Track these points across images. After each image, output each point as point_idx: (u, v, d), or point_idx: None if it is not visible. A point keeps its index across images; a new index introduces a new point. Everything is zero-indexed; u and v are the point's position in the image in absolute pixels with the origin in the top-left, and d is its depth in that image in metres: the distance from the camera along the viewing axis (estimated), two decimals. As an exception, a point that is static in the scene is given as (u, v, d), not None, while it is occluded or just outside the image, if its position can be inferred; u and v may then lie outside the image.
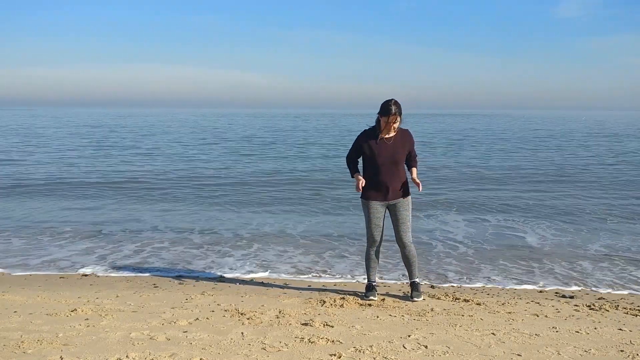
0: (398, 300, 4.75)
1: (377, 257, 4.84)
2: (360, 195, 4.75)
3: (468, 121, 71.14)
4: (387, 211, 4.74)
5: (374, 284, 4.86)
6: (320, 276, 5.94)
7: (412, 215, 4.78)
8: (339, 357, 3.29)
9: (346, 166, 4.88)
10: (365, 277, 5.01)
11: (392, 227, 4.75)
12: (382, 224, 4.72)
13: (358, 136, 4.70)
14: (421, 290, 4.85)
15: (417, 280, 4.84)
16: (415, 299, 4.72)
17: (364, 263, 4.93)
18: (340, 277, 5.89)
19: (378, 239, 4.75)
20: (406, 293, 4.95)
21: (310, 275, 5.97)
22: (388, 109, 4.45)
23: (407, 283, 5.22)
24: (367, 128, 4.71)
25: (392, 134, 4.61)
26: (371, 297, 4.73)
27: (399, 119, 4.51)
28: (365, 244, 4.87)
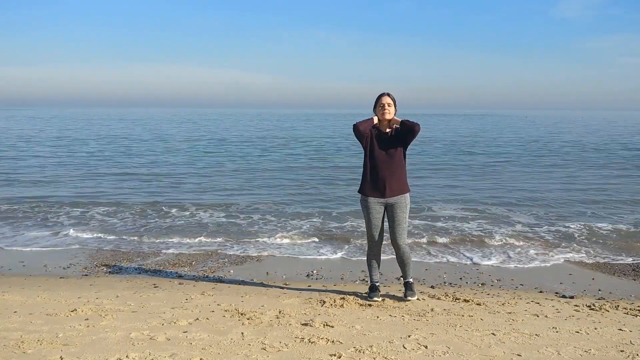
0: (398, 300, 4.75)
1: (379, 256, 4.85)
2: (358, 190, 4.78)
3: (505, 123, 63.17)
4: (385, 211, 4.75)
5: (377, 284, 4.85)
6: (320, 276, 5.95)
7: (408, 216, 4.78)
8: (339, 357, 3.28)
9: (357, 126, 4.60)
10: (368, 277, 5.00)
11: (388, 227, 4.76)
12: (380, 223, 4.73)
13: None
14: (415, 289, 4.85)
15: (410, 280, 4.85)
16: (410, 298, 4.73)
17: (366, 263, 4.93)
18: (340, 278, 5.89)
19: (377, 238, 4.75)
20: (406, 293, 4.95)
21: (310, 276, 5.98)
22: (379, 94, 4.68)
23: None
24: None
25: (390, 128, 4.67)
26: (374, 298, 4.72)
27: (390, 100, 4.62)
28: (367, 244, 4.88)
